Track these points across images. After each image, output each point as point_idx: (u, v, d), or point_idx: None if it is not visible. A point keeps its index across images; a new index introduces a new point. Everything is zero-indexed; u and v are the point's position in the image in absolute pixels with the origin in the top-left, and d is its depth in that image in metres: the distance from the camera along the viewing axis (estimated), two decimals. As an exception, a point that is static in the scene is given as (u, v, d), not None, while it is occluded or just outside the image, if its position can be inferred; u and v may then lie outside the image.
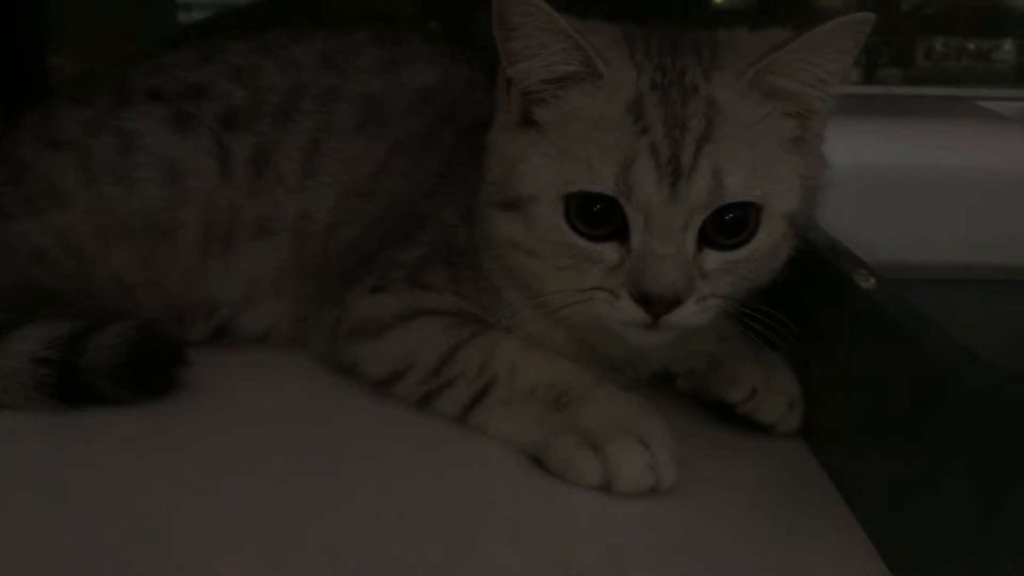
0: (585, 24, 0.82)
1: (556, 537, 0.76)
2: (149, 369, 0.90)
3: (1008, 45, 2.36)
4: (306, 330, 1.01)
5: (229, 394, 0.94)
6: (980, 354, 0.67)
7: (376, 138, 1.00)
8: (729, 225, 0.80)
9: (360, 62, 1.03)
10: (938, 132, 1.15)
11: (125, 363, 0.88)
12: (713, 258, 0.80)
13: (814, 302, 0.89)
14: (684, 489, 0.80)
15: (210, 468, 0.82)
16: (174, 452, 0.85)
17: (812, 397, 0.90)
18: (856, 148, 1.06)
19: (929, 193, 1.12)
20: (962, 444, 0.66)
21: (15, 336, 0.89)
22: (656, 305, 0.78)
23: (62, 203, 0.97)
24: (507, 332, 0.90)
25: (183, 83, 1.01)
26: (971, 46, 2.36)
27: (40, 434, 0.86)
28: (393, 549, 0.73)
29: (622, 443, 0.79)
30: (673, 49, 0.82)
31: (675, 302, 0.78)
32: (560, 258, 0.82)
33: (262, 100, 1.01)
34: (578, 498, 0.79)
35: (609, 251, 0.80)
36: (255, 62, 1.02)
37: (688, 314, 0.79)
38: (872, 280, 0.83)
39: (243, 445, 0.86)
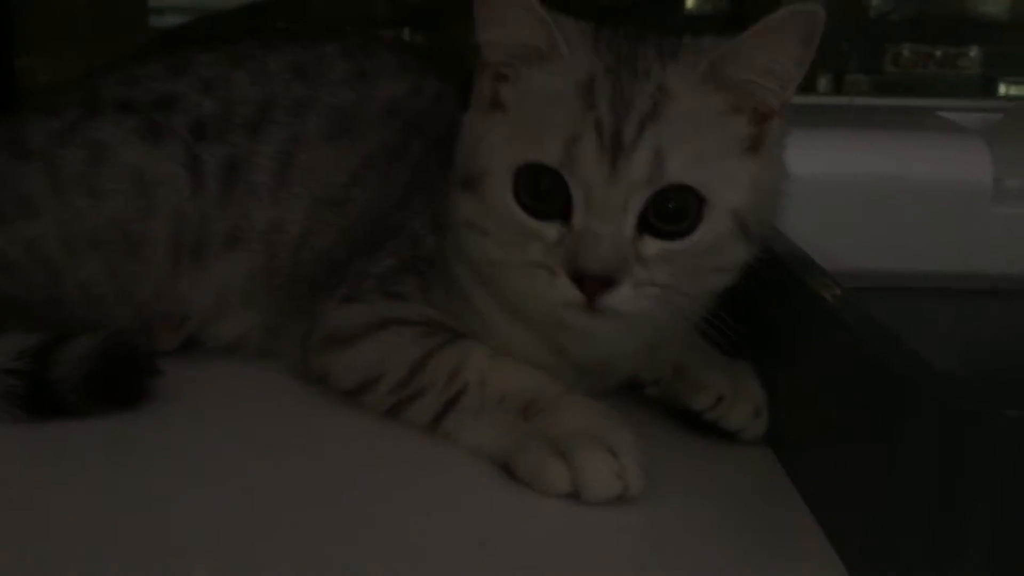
0: (558, 15, 0.83)
1: (525, 545, 0.76)
2: (119, 380, 0.90)
3: (975, 52, 2.39)
4: (277, 341, 1.02)
5: (199, 404, 0.94)
6: (936, 364, 0.69)
7: (347, 149, 1.01)
8: (672, 213, 0.80)
9: (331, 74, 1.03)
10: (901, 144, 1.17)
11: (94, 374, 0.88)
12: (652, 245, 0.80)
13: (778, 312, 0.90)
14: (652, 497, 0.81)
15: (180, 478, 0.82)
16: (143, 463, 0.85)
17: (778, 405, 0.91)
18: (819, 159, 1.08)
19: (891, 203, 1.14)
20: (922, 452, 0.67)
21: None
22: (589, 283, 0.79)
23: (30, 214, 0.97)
24: (477, 341, 0.91)
25: (153, 94, 1.01)
26: (938, 53, 2.39)
27: (8, 445, 0.86)
28: (362, 558, 0.73)
29: (590, 451, 0.80)
30: (635, 41, 0.84)
31: (608, 281, 0.79)
32: (505, 233, 0.83)
33: (233, 111, 1.01)
34: (547, 507, 0.80)
35: (551, 229, 0.81)
36: (225, 74, 1.02)
37: (624, 299, 0.79)
38: (835, 290, 0.84)
39: (213, 455, 0.86)
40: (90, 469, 0.84)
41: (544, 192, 0.81)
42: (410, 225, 0.95)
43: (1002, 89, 2.35)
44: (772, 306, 0.90)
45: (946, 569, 0.66)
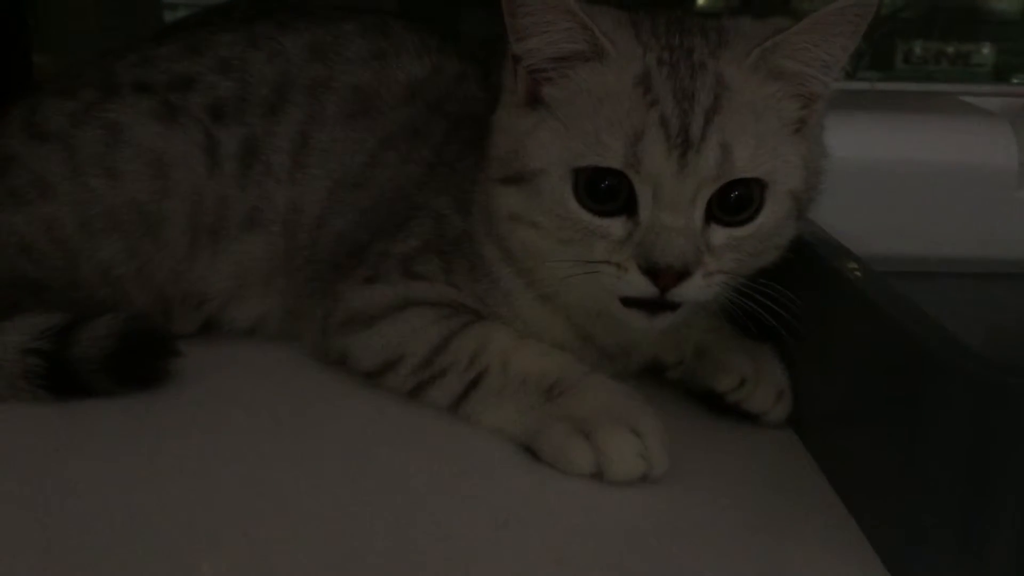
0: (592, 7, 0.82)
1: (547, 525, 0.76)
2: (139, 361, 0.90)
3: (987, 49, 2.37)
4: (296, 323, 1.01)
5: (219, 385, 0.94)
6: (967, 342, 0.68)
7: (366, 130, 1.00)
8: (735, 203, 0.80)
9: (349, 53, 1.02)
10: (925, 128, 1.16)
11: (115, 354, 0.88)
12: (719, 234, 0.80)
13: (803, 293, 0.89)
14: (674, 478, 0.80)
15: (200, 459, 0.82)
16: (163, 443, 0.85)
17: (802, 387, 0.90)
18: (842, 142, 1.06)
19: (915, 188, 1.13)
20: (950, 431, 0.66)
21: (4, 327, 0.88)
22: (664, 276, 0.78)
23: (48, 195, 0.97)
24: (501, 322, 0.90)
25: (170, 75, 1.01)
26: (950, 50, 2.37)
27: (28, 425, 0.86)
28: (384, 537, 0.72)
29: (614, 431, 0.80)
30: (680, 30, 0.83)
31: (683, 273, 0.78)
32: (564, 231, 0.81)
33: (250, 92, 1.00)
34: (569, 487, 0.80)
35: (616, 226, 0.80)
36: (242, 54, 1.02)
37: (695, 288, 0.79)
38: (861, 270, 0.83)
39: (233, 436, 0.86)
40: (110, 449, 0.83)
41: (605, 191, 0.79)
42: (433, 205, 0.95)
43: (1013, 86, 2.34)
44: (797, 288, 0.89)
45: (976, 546, 0.66)
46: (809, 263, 0.88)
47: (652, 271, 0.78)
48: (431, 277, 0.93)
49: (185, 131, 0.98)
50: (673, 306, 0.81)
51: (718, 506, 0.79)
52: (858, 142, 1.10)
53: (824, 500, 0.80)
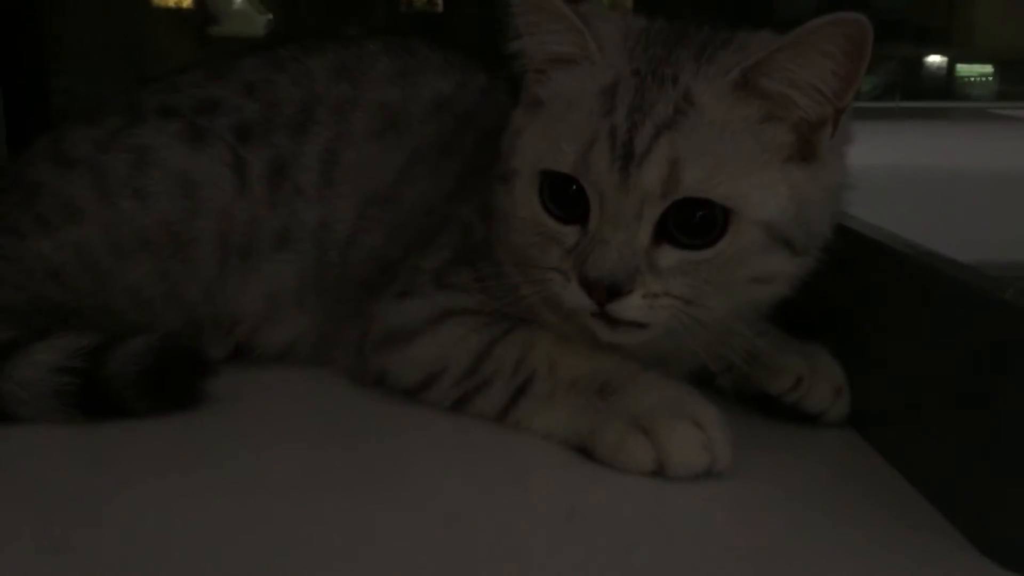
0: (593, 9, 0.82)
1: (611, 519, 0.73)
2: (175, 379, 0.87)
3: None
4: (329, 346, 0.98)
5: (255, 407, 0.91)
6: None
7: (394, 146, 0.99)
8: (697, 224, 0.76)
9: (374, 72, 1.02)
10: (963, 138, 1.15)
11: (151, 371, 0.85)
12: (670, 255, 0.77)
13: (865, 287, 0.87)
14: (738, 476, 0.77)
15: (239, 480, 0.78)
16: (199, 465, 0.81)
17: (859, 383, 0.87)
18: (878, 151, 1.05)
19: (956, 195, 1.12)
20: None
21: (36, 348, 0.86)
22: (596, 290, 0.76)
23: (76, 219, 0.95)
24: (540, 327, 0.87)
25: (195, 99, 1.00)
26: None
27: (59, 446, 0.83)
28: (436, 550, 0.68)
29: (674, 424, 0.77)
30: (676, 41, 0.80)
31: (614, 290, 0.75)
32: (528, 234, 0.81)
33: (276, 112, 0.99)
34: (633, 482, 0.76)
35: (570, 233, 0.79)
36: (267, 76, 1.01)
37: (633, 308, 0.76)
38: (918, 250, 0.81)
39: (271, 456, 0.83)
40: (146, 471, 0.80)
41: (567, 197, 0.78)
42: (460, 213, 0.93)
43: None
44: (847, 284, 0.86)
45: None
46: (872, 254, 0.86)
47: (585, 284, 0.76)
48: (465, 287, 0.90)
49: (211, 152, 0.97)
50: (638, 324, 0.77)
51: (788, 502, 0.76)
52: (895, 150, 1.09)
53: (901, 493, 0.77)
